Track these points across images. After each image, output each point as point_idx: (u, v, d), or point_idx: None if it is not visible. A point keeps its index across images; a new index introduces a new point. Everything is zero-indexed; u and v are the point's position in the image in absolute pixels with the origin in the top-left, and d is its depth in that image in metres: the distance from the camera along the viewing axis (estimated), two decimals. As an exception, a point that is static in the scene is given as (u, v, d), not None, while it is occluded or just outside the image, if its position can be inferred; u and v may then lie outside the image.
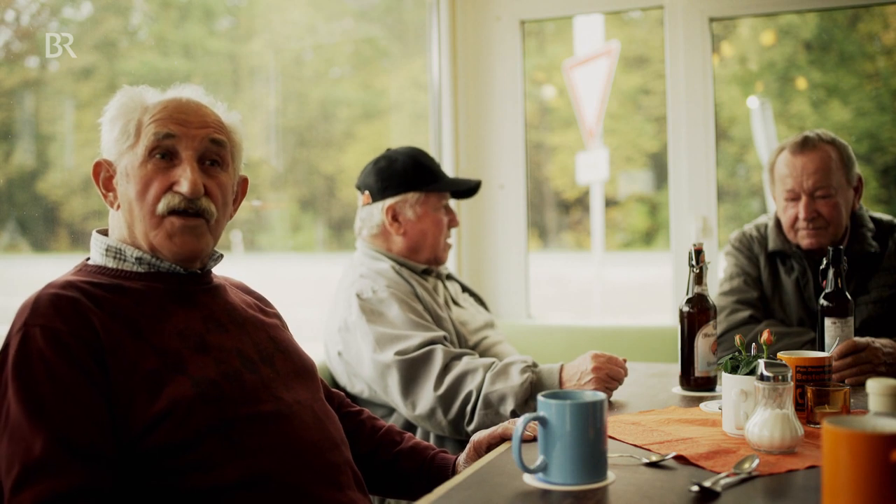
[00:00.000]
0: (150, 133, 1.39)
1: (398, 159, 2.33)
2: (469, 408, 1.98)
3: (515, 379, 1.97)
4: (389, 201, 2.30)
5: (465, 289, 2.53)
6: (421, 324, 2.11)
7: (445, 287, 2.41)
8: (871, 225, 2.45)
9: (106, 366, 1.25)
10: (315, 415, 1.44)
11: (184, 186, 1.38)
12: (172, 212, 1.39)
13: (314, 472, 1.35)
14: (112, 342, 1.27)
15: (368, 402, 2.19)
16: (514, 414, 1.95)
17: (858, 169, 2.44)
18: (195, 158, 1.41)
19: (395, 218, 2.31)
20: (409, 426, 2.14)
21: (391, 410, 2.16)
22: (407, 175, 2.30)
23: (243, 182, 1.57)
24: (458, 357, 2.04)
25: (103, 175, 1.44)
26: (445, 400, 2.00)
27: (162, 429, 1.24)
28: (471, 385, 1.99)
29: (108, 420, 1.23)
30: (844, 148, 2.40)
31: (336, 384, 2.25)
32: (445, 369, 2.02)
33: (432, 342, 2.06)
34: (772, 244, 2.47)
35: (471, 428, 1.98)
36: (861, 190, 2.43)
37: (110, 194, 1.44)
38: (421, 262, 2.34)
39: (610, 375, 1.91)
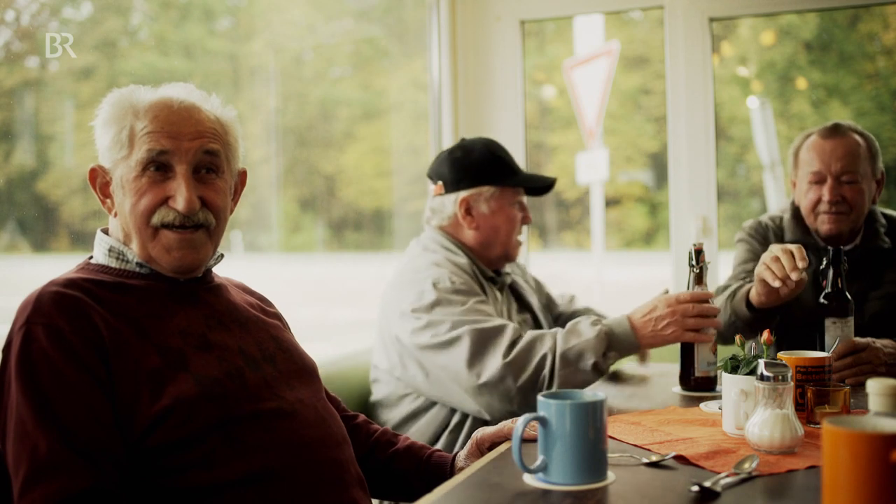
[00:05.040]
0: (144, 149, 1.37)
1: (475, 150, 2.27)
2: (546, 371, 1.95)
3: (589, 332, 1.97)
4: (464, 194, 2.24)
5: (523, 307, 2.43)
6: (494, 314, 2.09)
7: (507, 298, 2.35)
8: (883, 221, 2.45)
9: (109, 364, 1.25)
10: (317, 413, 1.44)
11: (179, 203, 1.37)
12: (167, 226, 1.38)
13: (316, 470, 1.36)
14: (115, 341, 1.27)
15: (409, 394, 2.14)
16: (596, 367, 1.96)
17: (882, 165, 2.44)
18: (189, 172, 1.40)
19: (468, 211, 2.24)
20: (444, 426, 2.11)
21: (432, 404, 2.12)
22: (483, 168, 2.24)
23: (242, 174, 1.55)
24: (524, 334, 2.03)
25: (100, 181, 1.44)
26: (515, 366, 1.96)
27: (165, 426, 1.24)
28: (543, 349, 1.97)
29: (113, 419, 1.23)
30: (872, 140, 2.41)
31: (376, 377, 2.21)
32: (514, 343, 1.99)
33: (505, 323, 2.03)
34: (790, 235, 2.44)
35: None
36: (883, 183, 2.44)
37: (108, 200, 1.44)
38: (492, 260, 2.28)
39: (685, 315, 1.93)
